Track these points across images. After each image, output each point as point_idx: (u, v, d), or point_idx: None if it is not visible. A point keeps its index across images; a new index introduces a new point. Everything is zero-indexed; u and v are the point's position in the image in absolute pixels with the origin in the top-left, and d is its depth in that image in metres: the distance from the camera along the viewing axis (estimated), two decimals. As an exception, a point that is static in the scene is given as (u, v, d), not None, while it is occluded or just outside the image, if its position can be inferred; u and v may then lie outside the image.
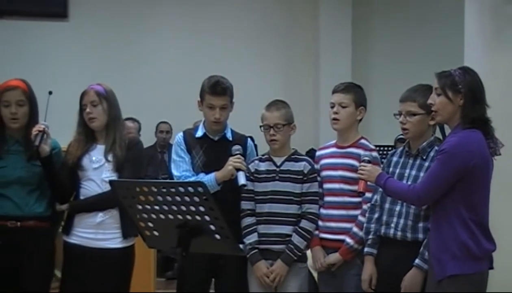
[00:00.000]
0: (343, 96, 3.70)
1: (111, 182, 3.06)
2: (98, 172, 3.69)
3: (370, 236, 3.50)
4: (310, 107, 8.05)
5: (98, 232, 3.67)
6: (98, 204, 3.67)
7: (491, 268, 3.17)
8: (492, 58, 4.46)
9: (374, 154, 3.64)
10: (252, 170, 3.79)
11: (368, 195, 3.51)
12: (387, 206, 3.44)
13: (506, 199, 4.20)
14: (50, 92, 3.73)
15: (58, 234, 3.88)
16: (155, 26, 8.37)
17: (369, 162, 3.39)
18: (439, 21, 7.94)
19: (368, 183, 3.36)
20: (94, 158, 3.71)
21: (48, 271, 3.80)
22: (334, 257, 3.63)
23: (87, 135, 3.77)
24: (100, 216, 3.67)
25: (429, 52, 7.86)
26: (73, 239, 3.72)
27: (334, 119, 3.71)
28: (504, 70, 4.37)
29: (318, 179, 3.76)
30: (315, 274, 4.03)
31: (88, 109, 3.71)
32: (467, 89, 3.08)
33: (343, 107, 3.69)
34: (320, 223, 3.72)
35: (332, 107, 3.72)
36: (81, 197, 3.74)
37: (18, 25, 8.07)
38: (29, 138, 3.64)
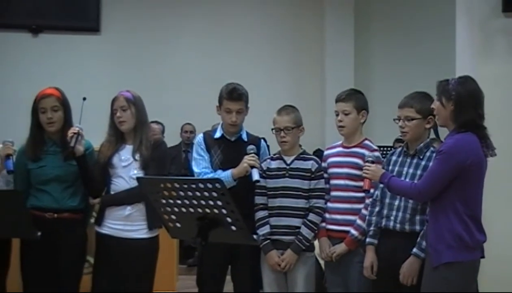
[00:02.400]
0: (345, 105, 3.68)
1: (138, 179, 3.06)
2: (126, 170, 3.69)
3: (372, 228, 3.49)
4: (317, 111, 8.02)
5: (126, 223, 3.67)
6: (126, 198, 3.66)
7: (483, 257, 3.18)
8: (481, 65, 4.46)
9: (377, 153, 3.62)
10: (265, 168, 3.77)
11: (371, 191, 3.50)
12: (387, 200, 3.43)
13: (498, 195, 4.19)
14: (84, 98, 3.75)
15: (91, 225, 3.88)
16: (178, 38, 8.38)
17: (372, 162, 3.40)
18: (433, 33, 7.90)
19: (373, 181, 3.37)
20: (123, 157, 3.71)
21: (81, 257, 3.81)
22: (341, 247, 3.61)
23: (117, 137, 3.77)
24: (128, 209, 3.66)
25: (424, 61, 7.84)
26: (104, 230, 3.72)
27: (340, 126, 3.70)
28: (491, 76, 4.36)
29: (326, 175, 3.75)
30: (321, 262, 4.02)
31: (118, 114, 3.71)
32: (457, 97, 3.08)
33: (346, 114, 3.67)
34: (327, 215, 3.70)
35: (337, 115, 3.71)
36: (111, 192, 3.74)
37: (55, 38, 8.10)
38: (65, 140, 3.65)
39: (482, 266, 3.20)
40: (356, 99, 3.70)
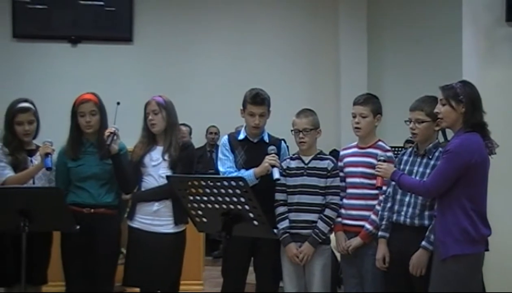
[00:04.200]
0: (362, 108, 3.65)
1: (168, 177, 3.08)
2: (156, 169, 3.69)
3: (384, 222, 3.47)
4: (333, 114, 7.99)
5: (154, 218, 3.68)
6: (154, 195, 3.67)
7: (487, 250, 3.16)
8: (486, 71, 4.41)
9: (389, 154, 3.60)
10: (285, 167, 3.75)
11: (384, 188, 3.49)
12: (398, 197, 3.41)
13: (501, 191, 4.13)
14: (118, 103, 3.75)
15: (124, 219, 3.90)
16: (204, 47, 8.38)
17: (384, 161, 3.38)
18: (441, 40, 7.86)
19: (385, 178, 3.37)
20: (153, 157, 3.72)
21: (116, 248, 3.82)
22: (356, 241, 3.59)
23: (149, 138, 3.77)
24: (156, 205, 3.67)
25: (432, 67, 7.78)
26: (135, 224, 3.73)
27: (356, 128, 3.67)
28: (495, 81, 4.32)
29: (342, 174, 3.73)
30: (337, 254, 3.99)
31: (150, 117, 3.72)
32: (468, 99, 3.07)
33: (363, 117, 3.64)
34: (343, 211, 3.68)
35: (354, 117, 3.68)
36: (142, 189, 3.75)
37: (92, 48, 8.16)
38: (101, 141, 3.68)
39: (487, 258, 3.18)
40: (373, 103, 3.68)
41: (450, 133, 3.33)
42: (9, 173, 3.64)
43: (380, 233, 3.47)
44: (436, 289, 3.08)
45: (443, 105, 3.12)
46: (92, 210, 3.68)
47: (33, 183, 3.68)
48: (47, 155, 3.60)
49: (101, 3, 8.11)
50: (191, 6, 8.31)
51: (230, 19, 8.38)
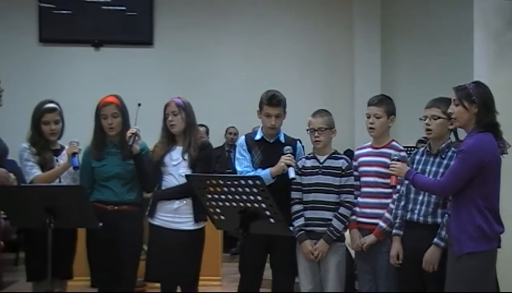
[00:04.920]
0: (377, 109, 3.64)
1: (187, 176, 3.09)
2: (176, 168, 3.70)
3: (398, 220, 3.45)
4: (347, 115, 7.96)
5: (175, 216, 3.69)
6: (175, 193, 3.68)
7: (499, 246, 3.14)
8: (496, 73, 4.37)
9: (403, 153, 3.58)
10: (300, 166, 3.75)
11: (397, 187, 3.48)
12: (411, 196, 3.39)
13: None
14: (139, 104, 3.77)
15: (145, 217, 3.92)
16: (222, 50, 8.40)
17: (398, 160, 3.37)
18: (452, 43, 7.84)
19: (399, 177, 3.36)
20: (173, 157, 3.73)
21: (138, 244, 3.84)
22: (371, 238, 3.58)
23: (168, 139, 3.78)
24: (176, 203, 3.68)
25: (444, 69, 7.75)
26: (156, 221, 3.74)
27: (370, 128, 3.66)
28: (506, 83, 4.28)
29: (356, 173, 3.71)
30: (352, 252, 3.98)
31: (170, 118, 3.73)
32: (480, 100, 3.05)
33: (378, 118, 3.63)
34: (357, 209, 3.67)
35: (368, 117, 3.67)
36: (163, 188, 3.76)
37: (114, 51, 8.21)
38: (123, 142, 3.70)
39: (499, 255, 3.16)
40: (387, 104, 3.67)
41: (461, 134, 3.31)
42: (36, 172, 3.68)
43: (394, 231, 3.46)
44: (452, 286, 3.07)
45: (456, 105, 3.10)
46: (116, 207, 3.71)
47: (59, 181, 3.71)
48: (74, 154, 3.64)
49: (123, 8, 8.16)
50: (209, 10, 8.33)
51: (248, 23, 8.39)
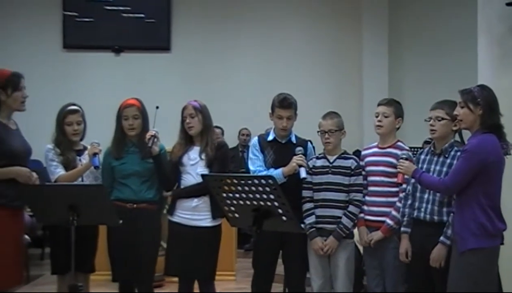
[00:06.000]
0: (386, 108, 3.64)
1: (203, 176, 3.09)
2: (193, 168, 3.70)
3: (405, 218, 3.45)
4: (356, 116, 7.92)
5: (193, 213, 3.69)
6: (193, 192, 3.68)
7: (502, 243, 3.13)
8: (499, 77, 4.34)
9: (409, 153, 3.56)
10: (311, 166, 3.74)
11: (404, 186, 3.48)
12: (418, 194, 3.38)
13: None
14: (157, 107, 3.78)
15: (164, 214, 3.92)
16: (236, 55, 8.40)
17: (406, 159, 3.37)
18: (457, 47, 7.76)
19: (405, 176, 3.35)
20: (191, 157, 3.73)
21: (156, 240, 3.85)
22: (378, 235, 3.58)
23: (186, 140, 3.79)
24: (195, 201, 3.68)
25: (449, 72, 7.68)
26: (175, 219, 3.74)
27: (378, 126, 3.65)
28: (509, 87, 4.25)
29: (363, 172, 3.70)
30: (360, 248, 3.97)
31: (187, 120, 3.73)
32: (485, 102, 3.05)
33: (386, 117, 3.63)
34: (365, 207, 3.66)
35: (377, 116, 3.66)
36: (181, 187, 3.76)
37: (134, 57, 8.23)
38: (142, 142, 3.71)
39: (502, 251, 3.14)
40: (395, 106, 3.67)
41: (466, 136, 3.29)
42: (60, 171, 3.71)
43: (402, 229, 3.45)
44: (455, 281, 3.06)
45: (462, 107, 3.10)
46: (135, 205, 3.72)
47: (81, 180, 3.73)
48: (94, 154, 3.67)
49: (142, 15, 8.19)
50: (224, 16, 8.34)
51: (260, 29, 8.38)
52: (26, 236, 4.91)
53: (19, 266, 3.55)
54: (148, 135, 3.68)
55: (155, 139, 3.67)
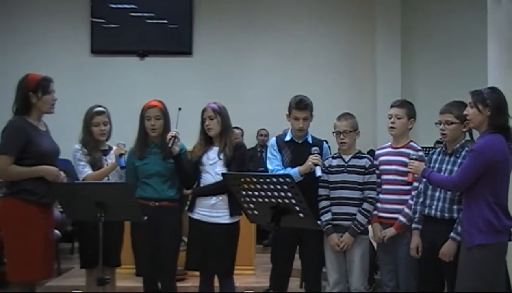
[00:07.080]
0: (398, 110, 3.62)
1: (223, 174, 3.09)
2: (213, 167, 3.71)
3: (417, 215, 3.42)
4: (370, 117, 7.87)
5: (212, 211, 3.69)
6: (212, 190, 3.68)
7: (510, 240, 3.10)
8: (508, 80, 4.28)
9: (420, 153, 3.55)
10: (327, 165, 3.73)
11: (415, 184, 3.45)
12: (429, 192, 3.35)
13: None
14: (179, 109, 3.78)
15: (185, 212, 3.93)
16: (255, 58, 8.40)
17: (416, 159, 3.36)
18: (468, 50, 7.73)
19: (416, 175, 3.34)
20: (210, 157, 3.74)
21: (178, 237, 3.86)
22: (391, 231, 3.56)
23: (206, 140, 3.79)
24: (213, 199, 3.69)
25: (460, 75, 7.63)
26: (195, 215, 3.75)
27: (391, 127, 3.63)
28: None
29: (377, 171, 3.68)
30: (374, 244, 3.95)
31: (207, 122, 3.74)
32: (493, 103, 3.03)
33: (398, 118, 3.61)
34: (378, 205, 3.65)
35: (390, 118, 3.64)
36: (201, 185, 3.77)
37: (157, 61, 8.27)
38: (164, 142, 3.71)
39: (509, 248, 3.12)
40: (408, 108, 3.65)
41: (476, 135, 3.26)
42: (88, 170, 3.74)
43: (413, 225, 3.43)
44: (464, 275, 3.04)
45: (471, 108, 3.08)
46: (157, 203, 3.73)
47: (108, 179, 3.76)
48: (121, 155, 3.69)
49: (165, 21, 8.23)
50: (244, 22, 8.34)
51: (277, 33, 8.36)
52: (57, 231, 4.98)
53: (50, 259, 3.59)
54: (169, 135, 3.68)
55: (176, 140, 3.67)
